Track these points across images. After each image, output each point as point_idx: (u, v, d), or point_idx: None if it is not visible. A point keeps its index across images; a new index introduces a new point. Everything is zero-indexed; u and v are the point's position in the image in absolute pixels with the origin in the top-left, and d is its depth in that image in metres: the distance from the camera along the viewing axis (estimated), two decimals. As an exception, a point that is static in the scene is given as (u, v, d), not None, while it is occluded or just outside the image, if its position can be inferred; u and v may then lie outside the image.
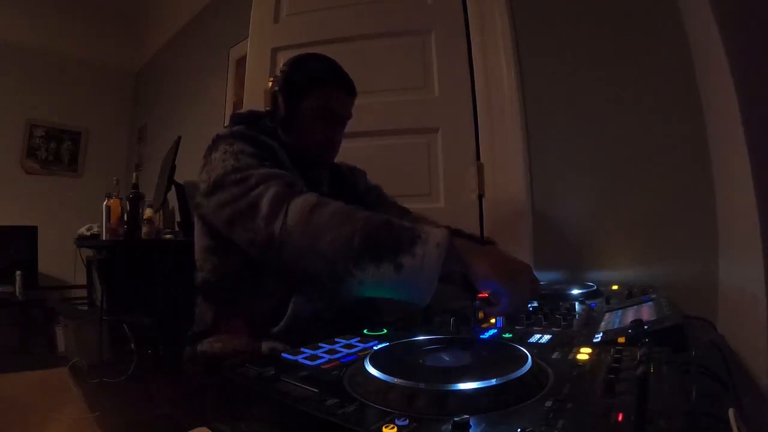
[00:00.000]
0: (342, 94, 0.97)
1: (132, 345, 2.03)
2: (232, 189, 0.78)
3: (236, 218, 0.77)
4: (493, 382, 0.39)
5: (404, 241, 0.64)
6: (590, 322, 0.67)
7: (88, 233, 2.53)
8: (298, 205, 0.71)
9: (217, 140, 0.86)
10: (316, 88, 0.94)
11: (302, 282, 0.81)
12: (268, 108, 0.96)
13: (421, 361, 0.48)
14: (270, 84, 0.96)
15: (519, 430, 0.31)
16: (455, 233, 0.99)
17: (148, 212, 2.18)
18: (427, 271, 0.62)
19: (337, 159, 1.15)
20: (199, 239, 0.92)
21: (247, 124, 0.93)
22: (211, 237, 0.88)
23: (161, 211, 2.45)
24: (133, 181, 2.24)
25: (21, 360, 2.62)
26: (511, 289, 0.65)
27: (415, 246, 0.63)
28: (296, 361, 0.52)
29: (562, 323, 0.66)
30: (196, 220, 0.92)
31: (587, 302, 0.84)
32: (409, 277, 0.63)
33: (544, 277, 1.25)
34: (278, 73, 0.96)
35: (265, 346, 0.80)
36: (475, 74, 1.46)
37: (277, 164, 0.84)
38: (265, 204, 0.73)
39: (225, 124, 0.92)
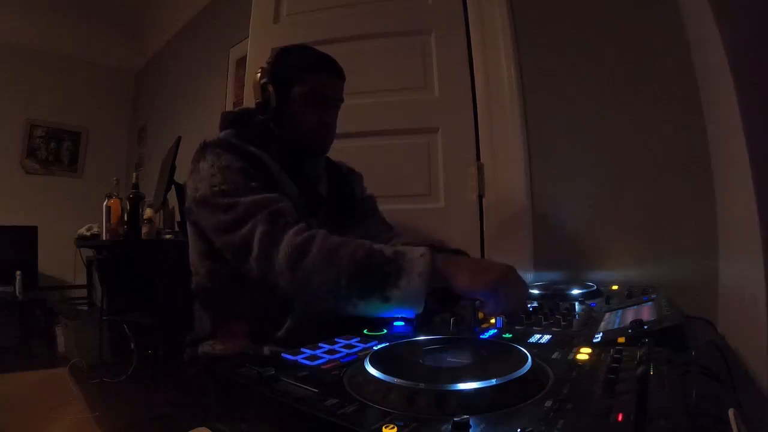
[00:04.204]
0: (331, 77, 0.97)
1: (132, 345, 2.04)
2: (219, 216, 0.79)
3: (228, 251, 0.80)
4: (493, 382, 0.39)
5: (389, 276, 0.67)
6: (590, 322, 0.67)
7: (88, 233, 2.53)
8: (285, 248, 0.73)
9: (205, 148, 0.85)
10: (305, 74, 0.94)
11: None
12: (258, 100, 0.95)
13: (421, 361, 0.48)
14: (258, 75, 0.95)
15: (519, 430, 0.31)
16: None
17: (148, 212, 2.18)
18: (412, 297, 0.67)
19: (338, 159, 1.15)
20: (193, 243, 0.90)
21: (237, 126, 0.93)
22: (205, 241, 0.86)
23: (161, 211, 2.45)
24: (133, 181, 2.24)
25: (21, 360, 2.62)
26: (494, 294, 0.66)
27: (400, 279, 0.67)
28: (296, 361, 0.52)
29: (562, 323, 0.66)
30: (188, 224, 0.90)
31: (587, 302, 0.84)
32: (397, 305, 0.68)
33: (544, 277, 1.25)
34: (265, 65, 0.95)
35: (267, 350, 0.80)
36: (475, 74, 1.46)
37: (265, 179, 0.84)
38: (255, 246, 0.75)
39: (207, 139, 0.91)
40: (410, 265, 0.68)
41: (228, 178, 0.81)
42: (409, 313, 0.68)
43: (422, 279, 0.66)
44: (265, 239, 0.75)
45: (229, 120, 0.97)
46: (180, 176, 2.24)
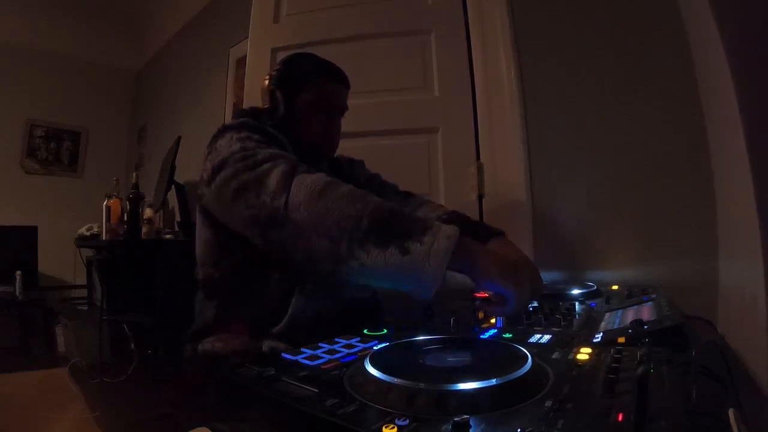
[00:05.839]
0: (336, 84, 1.00)
1: (132, 345, 2.04)
2: (237, 165, 0.76)
3: (241, 192, 0.74)
4: (493, 382, 0.39)
5: (414, 229, 0.62)
6: (590, 322, 0.67)
7: (88, 233, 2.53)
8: (307, 181, 0.70)
9: (224, 129, 0.86)
10: (312, 81, 0.98)
11: (300, 266, 0.77)
12: (266, 106, 0.98)
13: (421, 361, 0.48)
14: (266, 82, 0.98)
15: (519, 430, 0.31)
16: (464, 222, 0.99)
17: (148, 212, 2.18)
18: (434, 259, 0.59)
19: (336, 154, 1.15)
20: (201, 232, 0.91)
21: (253, 116, 0.94)
22: (214, 229, 0.87)
23: (161, 211, 2.45)
24: (133, 181, 2.24)
25: (21, 360, 2.62)
26: (514, 291, 0.63)
27: (425, 234, 0.61)
28: (296, 361, 0.52)
29: (562, 323, 0.66)
30: (198, 213, 0.91)
31: (587, 302, 0.84)
32: (415, 264, 0.60)
33: (544, 277, 1.25)
34: (273, 72, 0.98)
35: (266, 345, 0.81)
36: (475, 74, 1.46)
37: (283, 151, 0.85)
38: (273, 180, 0.71)
39: (226, 123, 0.94)
40: (439, 228, 0.62)
41: (247, 143, 0.80)
42: (421, 289, 0.61)
43: (449, 242, 0.60)
44: (285, 174, 0.71)
45: (245, 111, 0.99)
46: (180, 176, 2.25)
